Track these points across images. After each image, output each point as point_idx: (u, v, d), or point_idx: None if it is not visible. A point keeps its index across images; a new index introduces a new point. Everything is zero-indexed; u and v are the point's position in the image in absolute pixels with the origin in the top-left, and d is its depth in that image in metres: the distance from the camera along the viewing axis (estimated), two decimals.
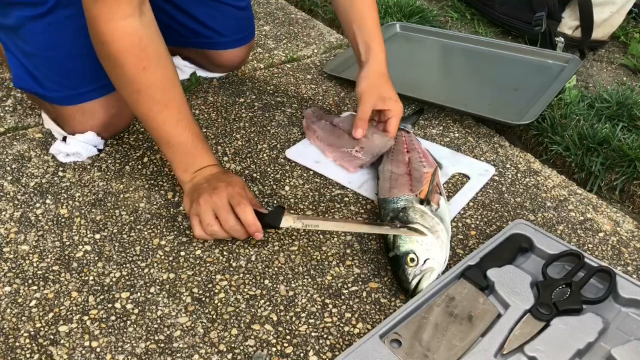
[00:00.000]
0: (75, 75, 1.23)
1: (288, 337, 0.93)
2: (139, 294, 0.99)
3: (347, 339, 0.93)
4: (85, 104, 1.24)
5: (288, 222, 1.06)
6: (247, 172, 1.27)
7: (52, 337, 0.92)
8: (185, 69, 1.57)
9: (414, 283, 0.97)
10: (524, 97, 1.48)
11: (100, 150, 1.30)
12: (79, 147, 1.26)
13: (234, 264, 1.05)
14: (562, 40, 1.77)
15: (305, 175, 1.27)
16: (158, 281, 1.02)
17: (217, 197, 1.03)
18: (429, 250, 1.00)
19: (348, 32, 1.35)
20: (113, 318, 0.95)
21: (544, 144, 1.40)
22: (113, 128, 1.32)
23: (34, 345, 0.91)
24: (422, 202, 1.07)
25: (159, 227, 1.12)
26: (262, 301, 0.99)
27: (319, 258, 1.07)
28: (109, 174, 1.25)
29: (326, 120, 1.37)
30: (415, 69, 1.68)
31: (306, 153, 1.32)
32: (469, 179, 1.26)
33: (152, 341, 0.92)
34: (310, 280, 1.03)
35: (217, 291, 1.01)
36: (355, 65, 1.61)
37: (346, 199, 1.20)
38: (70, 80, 1.23)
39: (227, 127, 1.40)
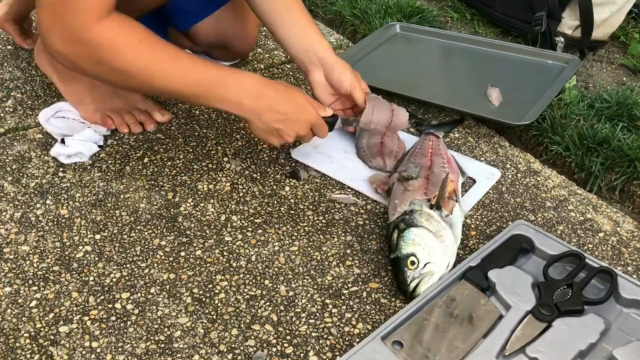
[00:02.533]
0: None
1: (288, 337, 0.93)
2: (139, 294, 0.99)
3: (347, 339, 0.93)
4: None
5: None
6: (247, 172, 1.27)
7: (52, 337, 0.92)
8: None
9: (412, 286, 0.97)
10: (523, 97, 1.48)
11: (100, 147, 1.30)
12: (79, 146, 1.26)
13: (234, 264, 1.05)
14: (562, 39, 1.77)
15: (305, 175, 1.27)
16: (158, 281, 1.02)
17: (303, 134, 1.17)
18: (430, 253, 0.99)
19: (285, 31, 1.31)
20: (113, 318, 0.95)
21: (544, 143, 1.40)
22: None
23: (34, 345, 0.91)
24: (432, 207, 1.07)
25: (159, 227, 1.12)
26: (262, 301, 0.99)
27: (319, 258, 1.07)
28: (109, 174, 1.24)
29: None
30: (415, 69, 1.67)
31: (312, 154, 1.32)
32: (475, 182, 1.25)
33: (152, 341, 0.92)
34: (310, 280, 1.03)
35: (217, 291, 1.00)
36: (356, 65, 1.61)
37: None
38: None
39: (227, 127, 1.40)
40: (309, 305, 0.99)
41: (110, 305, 0.97)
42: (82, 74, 1.11)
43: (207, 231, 1.12)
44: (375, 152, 1.29)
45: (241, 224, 1.14)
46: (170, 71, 1.06)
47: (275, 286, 1.02)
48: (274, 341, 0.93)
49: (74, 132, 1.30)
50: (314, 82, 1.30)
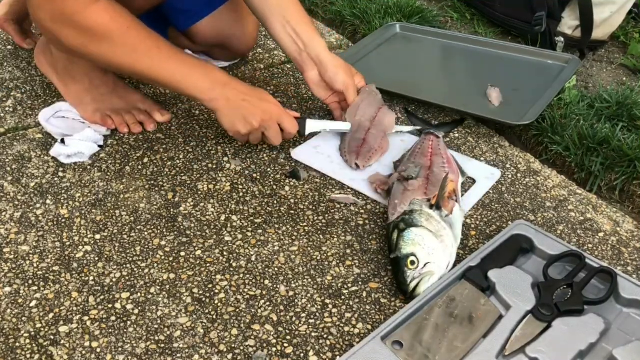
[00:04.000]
0: None
1: (288, 337, 0.93)
2: (139, 294, 0.99)
3: (347, 338, 0.93)
4: None
5: (310, 128, 1.31)
6: (247, 172, 1.26)
7: (52, 337, 0.92)
8: None
9: (412, 286, 0.97)
10: (523, 97, 1.48)
11: (100, 147, 1.30)
12: (80, 146, 1.26)
13: (234, 264, 1.05)
14: (562, 39, 1.77)
15: (305, 175, 1.27)
16: (158, 281, 1.02)
17: (267, 119, 1.22)
18: (430, 253, 0.99)
19: (282, 29, 1.33)
20: (113, 318, 0.95)
21: (544, 143, 1.40)
22: None
23: (34, 345, 0.91)
24: (432, 207, 1.07)
25: (159, 227, 1.12)
26: (262, 301, 0.99)
27: (319, 258, 1.07)
28: (109, 174, 1.24)
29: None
30: (415, 69, 1.67)
31: (312, 154, 1.32)
32: (475, 182, 1.25)
33: (152, 341, 0.92)
34: (310, 280, 1.03)
35: (217, 291, 1.00)
36: (356, 65, 1.61)
37: None
38: None
39: None
40: (309, 305, 0.99)
41: (110, 305, 0.97)
42: (66, 52, 1.19)
43: (207, 231, 1.12)
44: (353, 147, 1.30)
45: (241, 224, 1.14)
46: (154, 57, 1.14)
47: (275, 286, 1.02)
48: (274, 341, 0.93)
49: (74, 132, 1.30)
50: (309, 80, 1.36)
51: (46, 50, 1.41)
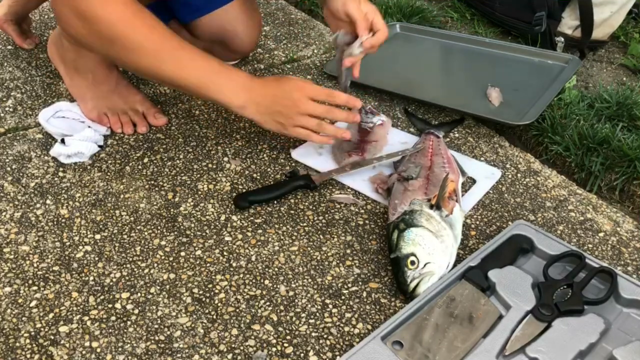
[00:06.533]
0: None
1: (288, 337, 0.93)
2: (139, 294, 0.99)
3: (347, 338, 0.93)
4: None
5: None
6: (247, 172, 1.26)
7: (52, 337, 0.92)
8: None
9: (412, 286, 0.97)
10: (523, 97, 1.48)
11: (100, 147, 1.30)
12: (79, 146, 1.26)
13: (234, 264, 1.05)
14: (562, 39, 1.77)
15: None
16: (158, 281, 1.02)
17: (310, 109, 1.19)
18: (430, 253, 0.99)
19: None
20: (113, 318, 0.95)
21: (544, 143, 1.40)
22: None
23: (34, 345, 0.91)
24: (432, 207, 1.07)
25: (159, 227, 1.12)
26: (262, 301, 0.99)
27: (319, 258, 1.07)
28: (109, 174, 1.24)
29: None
30: (415, 69, 1.67)
31: (312, 154, 1.32)
32: (475, 181, 1.25)
33: (152, 341, 0.92)
34: (310, 280, 1.03)
35: (217, 291, 1.00)
36: None
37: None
38: None
39: (227, 127, 1.40)
40: (309, 305, 0.99)
41: (110, 305, 0.97)
42: (92, 51, 1.17)
43: (207, 231, 1.12)
44: (353, 141, 1.29)
45: (241, 224, 1.14)
46: (178, 58, 1.12)
47: (275, 286, 1.02)
48: (274, 341, 0.93)
49: (74, 132, 1.30)
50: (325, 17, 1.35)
51: (58, 40, 1.43)
